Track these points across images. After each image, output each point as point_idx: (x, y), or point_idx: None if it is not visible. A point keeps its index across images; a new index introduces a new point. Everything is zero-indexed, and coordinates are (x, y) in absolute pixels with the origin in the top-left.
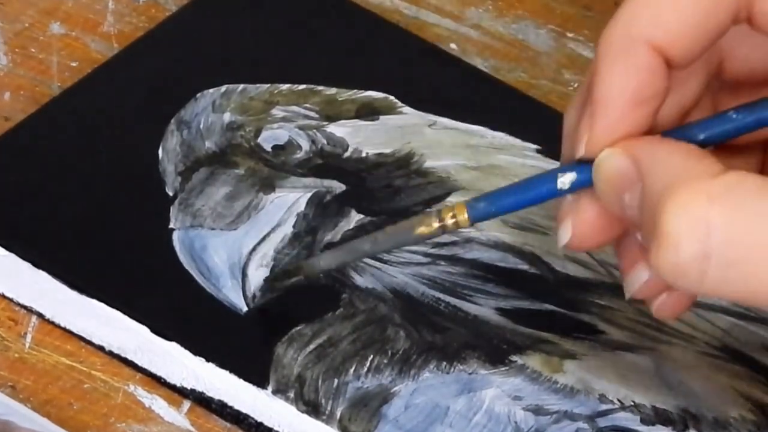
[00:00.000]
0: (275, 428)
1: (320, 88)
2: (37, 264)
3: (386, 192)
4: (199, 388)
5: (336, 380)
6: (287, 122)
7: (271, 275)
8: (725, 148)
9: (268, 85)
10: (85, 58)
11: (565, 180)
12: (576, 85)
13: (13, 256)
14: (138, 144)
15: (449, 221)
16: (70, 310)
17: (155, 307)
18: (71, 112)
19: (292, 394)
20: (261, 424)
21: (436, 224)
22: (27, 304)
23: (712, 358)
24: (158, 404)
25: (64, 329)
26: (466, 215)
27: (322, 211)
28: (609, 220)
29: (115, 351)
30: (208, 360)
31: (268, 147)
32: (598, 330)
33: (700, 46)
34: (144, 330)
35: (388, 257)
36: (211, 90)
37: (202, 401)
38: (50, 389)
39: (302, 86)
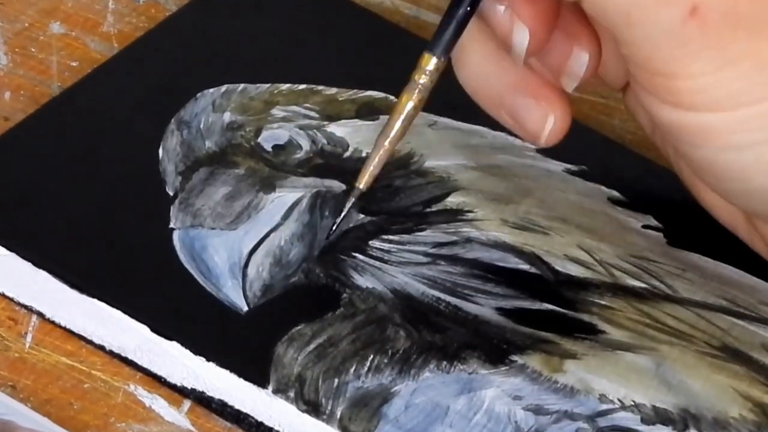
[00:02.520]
0: (275, 428)
1: (320, 87)
2: (37, 264)
3: (386, 192)
4: (199, 388)
5: (336, 380)
6: (287, 122)
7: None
8: None
9: (268, 85)
10: (85, 58)
11: None
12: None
13: (13, 255)
14: (138, 144)
15: (424, 78)
16: (70, 309)
17: (155, 306)
18: (71, 112)
19: (292, 394)
20: (261, 423)
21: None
22: (27, 303)
23: (712, 358)
24: (158, 404)
25: (65, 329)
26: (433, 58)
27: (322, 210)
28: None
29: (116, 350)
30: (208, 359)
31: (268, 147)
32: (598, 330)
33: None
34: (144, 329)
35: (389, 257)
36: (211, 90)
37: (202, 401)
38: (50, 389)
39: (302, 86)
